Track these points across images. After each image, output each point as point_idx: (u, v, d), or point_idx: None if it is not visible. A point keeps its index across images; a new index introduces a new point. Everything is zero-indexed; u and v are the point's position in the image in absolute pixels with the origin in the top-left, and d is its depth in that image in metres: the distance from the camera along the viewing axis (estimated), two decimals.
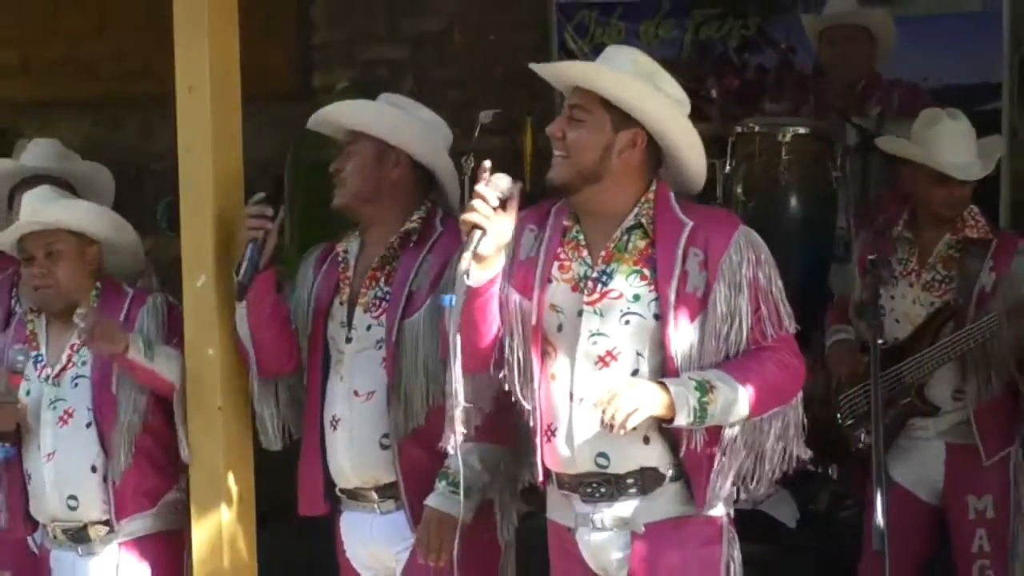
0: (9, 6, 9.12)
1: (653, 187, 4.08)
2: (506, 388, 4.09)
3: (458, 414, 3.99)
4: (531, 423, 4.10)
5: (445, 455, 4.20)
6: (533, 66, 4.17)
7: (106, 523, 4.80)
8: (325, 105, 4.56)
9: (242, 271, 4.42)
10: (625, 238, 4.05)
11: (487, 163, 3.98)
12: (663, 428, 3.96)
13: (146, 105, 6.61)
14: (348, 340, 4.48)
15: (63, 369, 4.84)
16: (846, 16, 6.90)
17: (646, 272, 4.01)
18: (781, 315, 4.04)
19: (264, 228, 4.44)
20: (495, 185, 3.94)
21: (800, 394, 4.09)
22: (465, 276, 3.89)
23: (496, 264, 3.96)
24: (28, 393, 4.84)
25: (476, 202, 3.90)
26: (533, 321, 4.05)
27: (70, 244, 4.81)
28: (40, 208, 4.85)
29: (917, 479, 5.35)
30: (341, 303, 4.53)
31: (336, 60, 8.59)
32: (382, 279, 4.48)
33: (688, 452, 3.98)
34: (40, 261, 4.80)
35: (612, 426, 3.84)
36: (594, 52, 7.76)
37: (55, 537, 4.87)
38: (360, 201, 4.52)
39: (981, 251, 5.29)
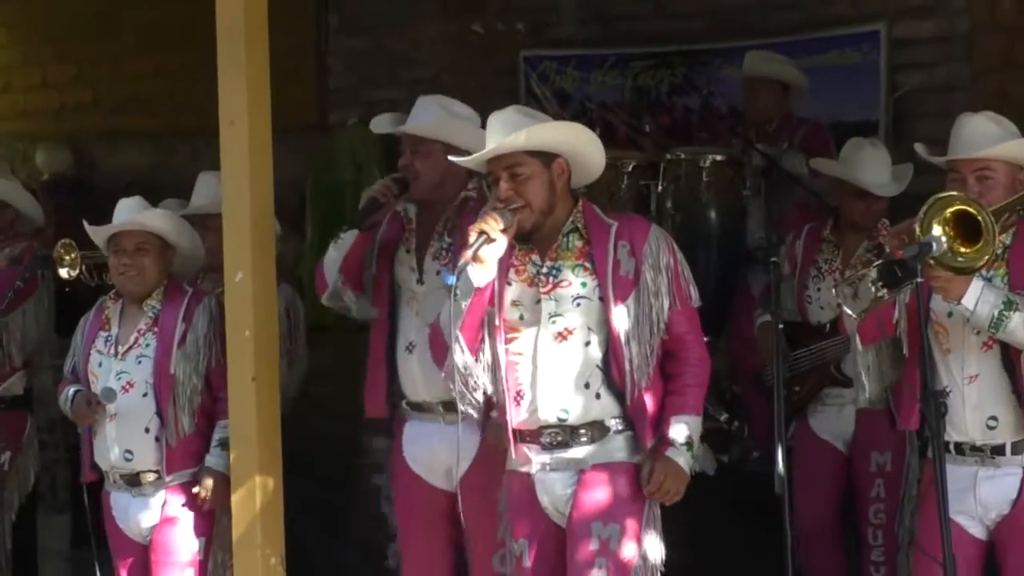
0: (84, 54, 9.13)
1: (580, 202, 4.14)
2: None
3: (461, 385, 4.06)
4: (498, 398, 4.10)
5: None
6: (456, 159, 4.17)
7: (156, 471, 4.80)
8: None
9: (357, 221, 4.48)
10: (566, 240, 4.10)
11: (498, 202, 4.05)
12: (610, 385, 4.02)
13: (195, 135, 6.59)
14: (420, 283, 4.46)
15: (129, 348, 4.84)
16: (760, 70, 6.90)
17: (587, 264, 4.08)
18: (690, 290, 4.13)
19: (385, 195, 4.44)
20: (502, 214, 3.96)
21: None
22: (470, 275, 3.92)
23: (491, 271, 3.98)
24: (100, 365, 4.84)
25: (490, 219, 3.94)
26: (497, 322, 4.07)
27: (155, 244, 4.84)
28: (138, 213, 4.88)
29: (833, 433, 5.37)
30: (408, 252, 4.53)
31: (347, 100, 8.52)
32: (445, 233, 4.48)
33: (632, 402, 4.03)
34: (130, 253, 4.81)
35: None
36: (554, 95, 7.79)
37: (114, 481, 4.88)
38: (433, 189, 4.49)
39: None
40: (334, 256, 4.50)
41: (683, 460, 4.03)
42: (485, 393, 4.10)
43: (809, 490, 5.23)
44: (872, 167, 5.43)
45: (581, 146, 4.13)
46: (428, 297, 4.46)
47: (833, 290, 5.25)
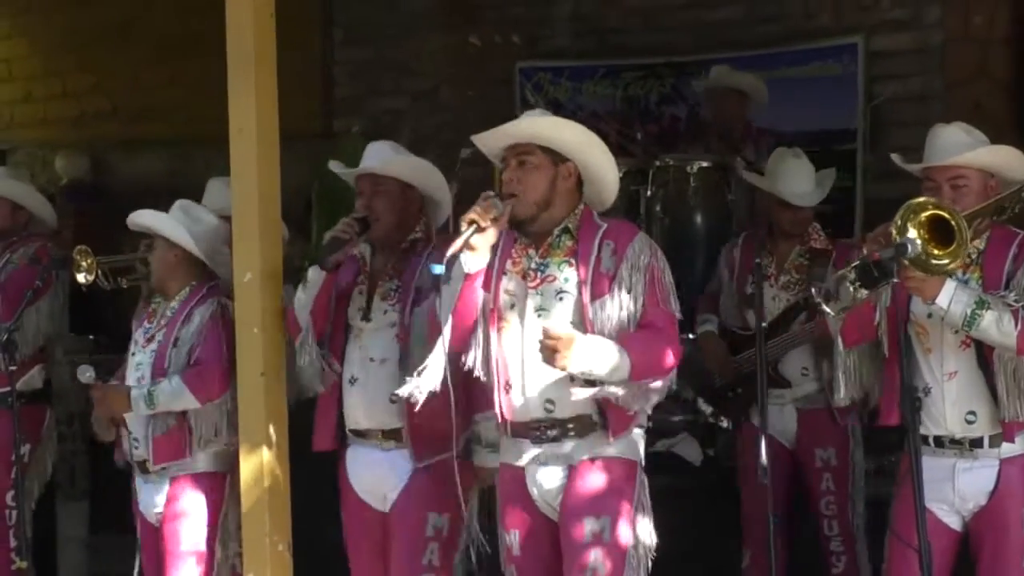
0: (102, 64, 9.13)
1: (581, 206, 4.13)
2: (468, 363, 4.07)
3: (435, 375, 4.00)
4: (490, 384, 4.09)
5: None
6: (475, 138, 4.17)
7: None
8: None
9: (321, 259, 4.40)
10: (558, 239, 4.10)
11: (490, 192, 4.05)
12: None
13: (207, 143, 6.57)
14: (367, 320, 4.47)
15: (148, 341, 4.89)
16: (721, 80, 6.94)
17: (573, 261, 4.05)
18: (669, 297, 4.05)
19: (347, 233, 4.40)
20: (494, 204, 3.97)
21: (675, 369, 4.03)
22: (462, 261, 3.93)
23: (483, 257, 3.99)
24: (133, 355, 4.93)
25: (479, 208, 3.96)
26: (492, 305, 4.07)
27: (162, 246, 4.89)
28: (158, 216, 4.90)
29: (776, 429, 5.22)
30: (360, 293, 4.52)
31: (352, 109, 8.59)
32: (394, 276, 4.47)
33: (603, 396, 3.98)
34: (152, 251, 4.95)
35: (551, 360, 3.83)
36: (548, 104, 7.79)
37: (135, 467, 4.91)
38: (392, 228, 4.49)
39: (825, 259, 5.26)
40: (303, 299, 4.46)
41: (588, 344, 3.84)
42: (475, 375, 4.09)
43: (754, 484, 5.14)
44: (793, 178, 5.40)
45: (589, 153, 4.10)
46: (373, 334, 4.46)
47: (781, 296, 5.25)
